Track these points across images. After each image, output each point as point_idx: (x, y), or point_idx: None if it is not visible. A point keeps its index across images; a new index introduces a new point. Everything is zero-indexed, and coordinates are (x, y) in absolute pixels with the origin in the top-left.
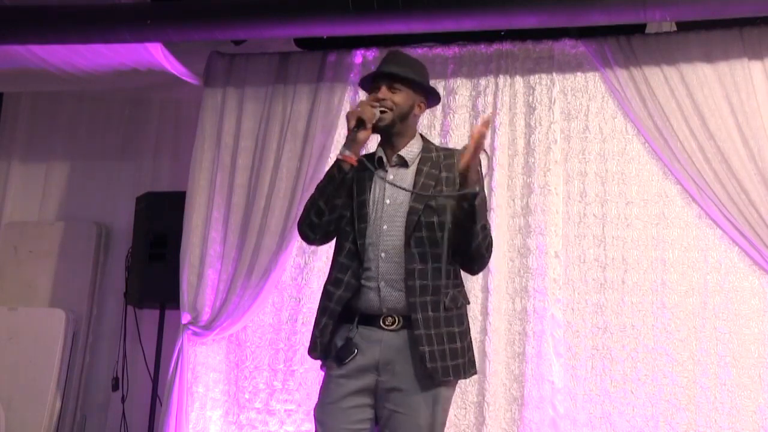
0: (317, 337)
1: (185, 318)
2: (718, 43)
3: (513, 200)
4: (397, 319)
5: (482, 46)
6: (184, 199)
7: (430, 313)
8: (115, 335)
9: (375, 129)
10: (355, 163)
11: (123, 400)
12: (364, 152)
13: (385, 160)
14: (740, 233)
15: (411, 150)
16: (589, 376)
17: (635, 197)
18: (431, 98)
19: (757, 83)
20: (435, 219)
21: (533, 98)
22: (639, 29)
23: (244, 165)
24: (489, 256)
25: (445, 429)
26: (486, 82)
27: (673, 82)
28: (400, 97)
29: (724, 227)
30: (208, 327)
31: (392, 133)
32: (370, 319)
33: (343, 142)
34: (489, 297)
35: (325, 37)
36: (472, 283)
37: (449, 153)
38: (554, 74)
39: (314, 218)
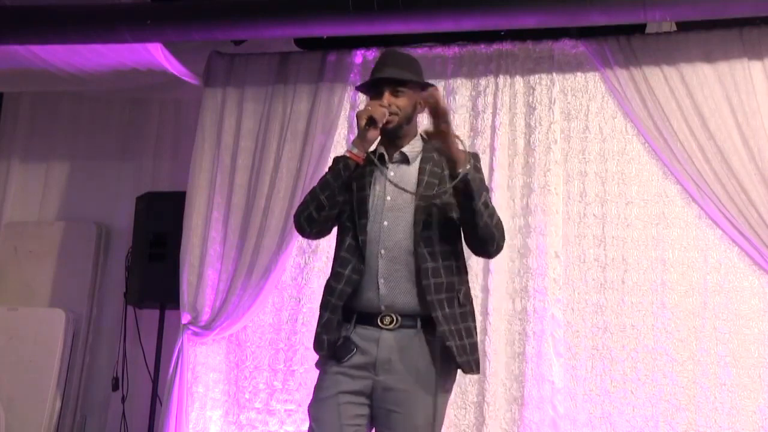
0: (322, 334)
1: (185, 318)
2: (718, 43)
3: (513, 200)
4: (395, 318)
5: (482, 46)
6: (184, 199)
7: (447, 310)
8: (115, 335)
9: (381, 131)
10: (362, 162)
11: (123, 400)
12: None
13: (386, 157)
14: (740, 233)
15: (413, 148)
16: (589, 376)
17: (635, 197)
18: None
19: (757, 83)
20: (441, 217)
21: (533, 98)
22: (639, 29)
23: (244, 165)
24: (501, 236)
25: (445, 429)
26: (486, 82)
27: (673, 82)
28: (404, 101)
29: (724, 227)
30: (208, 327)
31: (397, 134)
32: (368, 318)
33: (343, 142)
34: (489, 297)
35: (325, 37)
36: (472, 283)
37: None
38: (554, 74)
39: (314, 212)
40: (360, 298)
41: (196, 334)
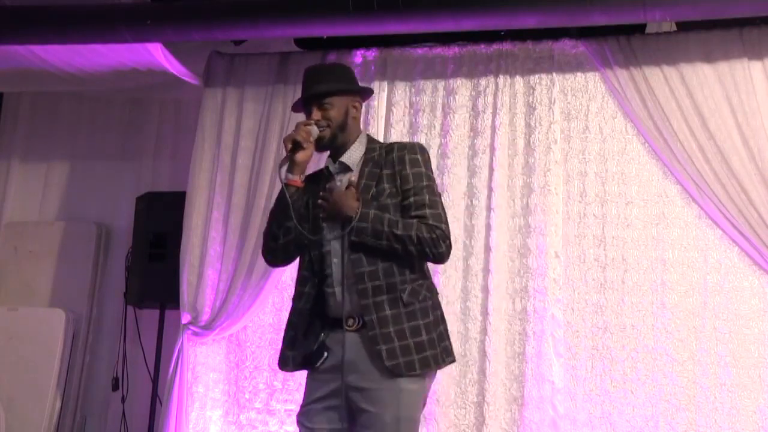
0: (287, 350)
1: (185, 318)
2: (718, 43)
3: (513, 200)
4: (357, 319)
5: (482, 46)
6: (184, 199)
7: (388, 311)
8: (115, 335)
9: (320, 147)
10: (301, 185)
11: (123, 400)
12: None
13: (330, 170)
14: (740, 233)
15: (352, 155)
16: (589, 376)
17: (635, 197)
18: (364, 93)
19: (757, 83)
20: None
21: (533, 98)
22: (639, 29)
23: (244, 165)
24: (435, 243)
25: (445, 429)
26: (486, 82)
27: (673, 82)
28: (333, 111)
29: (724, 227)
30: (208, 327)
31: (335, 144)
32: (336, 322)
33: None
34: (489, 297)
35: (325, 37)
36: (472, 283)
37: (390, 148)
38: (554, 74)
39: (271, 243)
40: (327, 306)
41: (196, 334)
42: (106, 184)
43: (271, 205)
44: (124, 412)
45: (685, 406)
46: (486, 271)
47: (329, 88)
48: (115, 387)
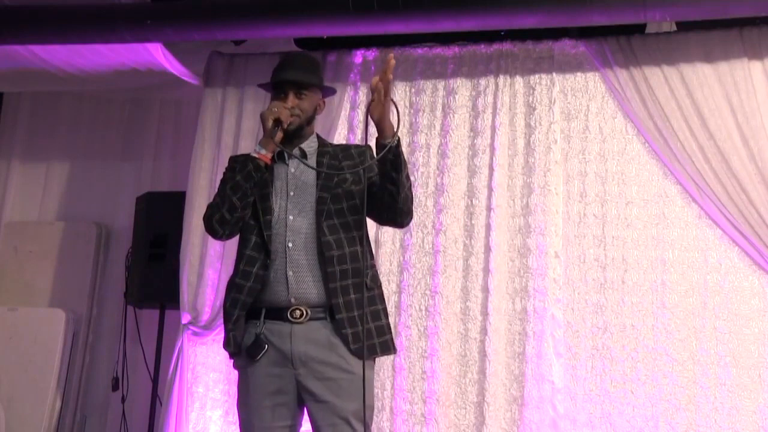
0: (231, 331)
1: (185, 318)
2: (718, 43)
3: (513, 200)
4: (304, 311)
5: (482, 46)
6: (184, 199)
7: (353, 295)
8: (115, 335)
9: (284, 133)
10: (269, 162)
11: (123, 400)
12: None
13: (285, 154)
14: (740, 233)
15: (310, 144)
16: (589, 376)
17: (635, 197)
18: (328, 93)
19: (757, 83)
20: (344, 204)
21: (533, 98)
22: (639, 29)
23: None
24: (412, 208)
25: (445, 429)
26: (486, 82)
27: (673, 82)
28: (307, 103)
29: (724, 227)
30: (208, 327)
31: (297, 134)
32: (277, 312)
33: (343, 142)
34: (489, 297)
35: (325, 37)
36: (472, 283)
37: (345, 147)
38: (554, 74)
39: (226, 214)
40: (268, 294)
41: (196, 334)
42: (106, 184)
43: None
44: (124, 412)
45: (685, 406)
46: (486, 271)
47: (310, 80)
48: (115, 387)
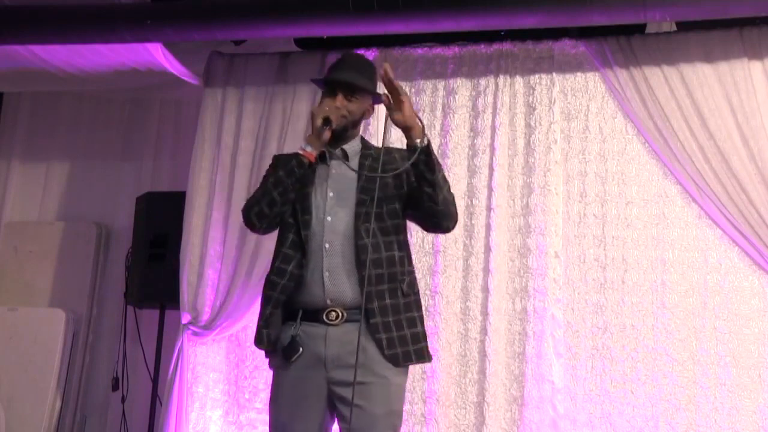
0: (263, 328)
1: (185, 318)
2: (718, 43)
3: (513, 200)
4: (340, 313)
5: (482, 46)
6: (184, 199)
7: (388, 300)
8: (115, 335)
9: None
10: (313, 160)
11: (123, 400)
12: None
13: (327, 154)
14: (740, 233)
15: (353, 146)
16: (589, 376)
17: (635, 197)
18: (376, 101)
19: (757, 83)
20: (384, 208)
21: (533, 98)
22: (639, 29)
23: (244, 165)
24: (456, 209)
25: (445, 429)
26: (486, 82)
27: (673, 82)
28: (356, 106)
29: (724, 227)
30: (208, 327)
31: (341, 136)
32: (313, 314)
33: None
34: (489, 297)
35: (325, 37)
36: (472, 283)
37: (388, 150)
38: (554, 74)
39: (265, 208)
40: (304, 294)
41: (196, 334)
42: (106, 184)
43: None
44: (124, 412)
45: (685, 406)
46: (486, 271)
47: (365, 85)
48: (115, 387)
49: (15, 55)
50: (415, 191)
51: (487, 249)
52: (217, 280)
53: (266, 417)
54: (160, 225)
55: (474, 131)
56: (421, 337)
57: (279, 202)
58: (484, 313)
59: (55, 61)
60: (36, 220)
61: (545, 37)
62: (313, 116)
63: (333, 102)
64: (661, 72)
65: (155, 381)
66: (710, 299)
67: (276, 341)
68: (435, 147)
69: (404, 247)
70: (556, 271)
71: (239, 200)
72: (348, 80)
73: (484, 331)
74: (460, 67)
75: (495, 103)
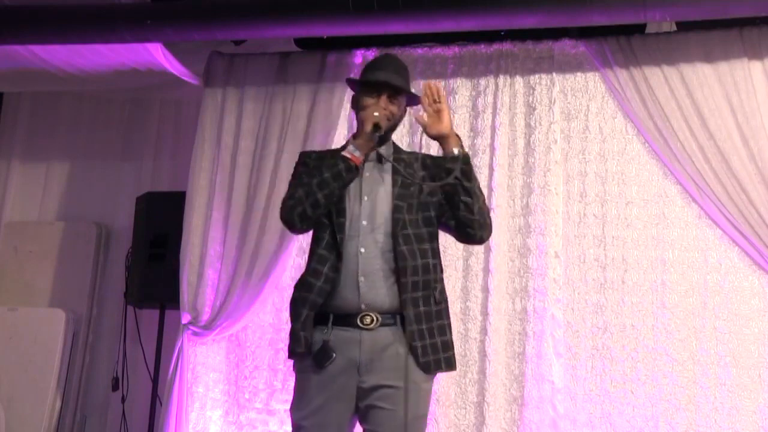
0: (301, 331)
1: (185, 318)
2: (718, 43)
3: (513, 200)
4: (374, 317)
5: (482, 46)
6: (184, 199)
7: (422, 308)
8: (115, 335)
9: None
10: (359, 164)
11: (123, 400)
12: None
13: (378, 155)
14: (740, 233)
15: (386, 151)
16: (589, 376)
17: (635, 197)
18: (411, 102)
19: (757, 83)
20: (419, 215)
21: (533, 98)
22: (639, 29)
23: (244, 165)
24: (491, 222)
25: (445, 429)
26: (486, 82)
27: (673, 82)
28: (397, 108)
29: (724, 227)
30: (208, 327)
31: (381, 139)
32: (347, 319)
33: (343, 142)
34: (489, 297)
35: (325, 37)
36: (472, 283)
37: (417, 155)
38: (554, 74)
39: (309, 209)
40: (336, 298)
41: (196, 334)
42: (106, 184)
43: (271, 204)
44: (124, 412)
45: (685, 406)
46: (486, 271)
47: (406, 87)
48: (115, 387)
49: (15, 55)
50: (451, 200)
51: (487, 249)
52: (217, 280)
53: (266, 417)
54: (160, 225)
55: (474, 131)
56: (450, 345)
57: (323, 205)
58: (484, 313)
59: (55, 61)
60: (36, 220)
61: (545, 37)
62: (363, 120)
63: (376, 104)
64: (661, 72)
65: (155, 381)
66: (710, 299)
67: (312, 345)
68: (434, 147)
69: (437, 254)
70: (556, 271)
71: (239, 200)
72: (393, 83)
73: (484, 331)
74: (460, 67)
75: (495, 103)
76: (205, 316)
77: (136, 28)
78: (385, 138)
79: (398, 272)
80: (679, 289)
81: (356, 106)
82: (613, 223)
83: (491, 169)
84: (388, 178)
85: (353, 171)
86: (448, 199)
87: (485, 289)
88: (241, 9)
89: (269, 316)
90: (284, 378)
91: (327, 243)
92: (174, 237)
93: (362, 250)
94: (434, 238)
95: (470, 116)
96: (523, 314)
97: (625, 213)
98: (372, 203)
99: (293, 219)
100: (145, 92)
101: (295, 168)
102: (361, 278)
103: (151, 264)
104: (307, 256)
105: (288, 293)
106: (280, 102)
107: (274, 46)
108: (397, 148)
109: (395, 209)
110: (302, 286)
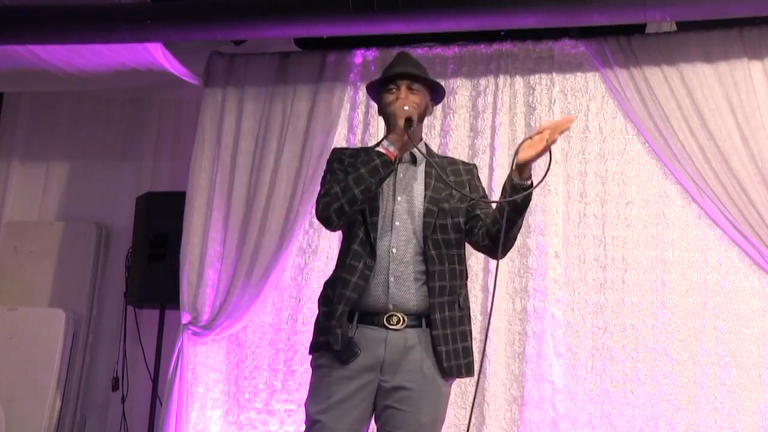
0: (338, 328)
1: (185, 318)
2: (718, 43)
3: None
4: (401, 318)
5: (482, 46)
6: (184, 199)
7: (447, 313)
8: (115, 335)
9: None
10: (395, 159)
11: (123, 400)
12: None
13: (410, 154)
14: (740, 233)
15: (420, 150)
16: (589, 376)
17: (635, 197)
18: (437, 98)
19: (757, 83)
20: (449, 221)
21: (533, 98)
22: (639, 29)
23: (244, 165)
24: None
25: (445, 429)
26: (486, 82)
27: (673, 82)
28: (418, 98)
29: (724, 227)
30: (208, 327)
31: (411, 134)
32: (374, 317)
33: (343, 142)
34: (489, 297)
35: (325, 37)
36: (472, 283)
37: (453, 161)
38: (554, 74)
39: (346, 206)
40: (366, 297)
41: (196, 334)
42: (106, 184)
43: (271, 205)
44: (124, 412)
45: (685, 406)
46: (486, 270)
47: (425, 75)
48: (115, 387)
49: (15, 55)
50: (485, 215)
51: None
52: (217, 280)
53: (266, 417)
54: (160, 225)
55: (474, 131)
56: (470, 352)
57: (360, 201)
58: (484, 313)
59: (55, 61)
60: (36, 220)
61: (545, 37)
62: (394, 116)
63: (399, 98)
64: (661, 72)
65: (155, 381)
66: (710, 299)
67: (345, 340)
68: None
69: (463, 261)
70: (556, 271)
71: (239, 200)
72: (407, 71)
73: (483, 331)
74: (460, 67)
75: (495, 103)
76: (205, 316)
77: (136, 28)
78: (411, 127)
79: (427, 275)
80: (679, 289)
81: (381, 110)
82: (613, 223)
83: (491, 169)
84: (421, 180)
85: (389, 166)
86: (479, 210)
87: (485, 289)
88: (241, 9)
89: (269, 316)
90: (284, 378)
91: (360, 240)
92: (174, 237)
93: (394, 250)
94: (461, 245)
95: (470, 116)
96: (523, 314)
97: (625, 213)
98: (405, 204)
99: (331, 216)
100: (145, 92)
101: (328, 164)
102: (392, 279)
103: (151, 264)
104: (307, 256)
105: (288, 293)
106: (280, 102)
107: (274, 46)
108: (429, 151)
109: (427, 213)
110: (337, 283)
